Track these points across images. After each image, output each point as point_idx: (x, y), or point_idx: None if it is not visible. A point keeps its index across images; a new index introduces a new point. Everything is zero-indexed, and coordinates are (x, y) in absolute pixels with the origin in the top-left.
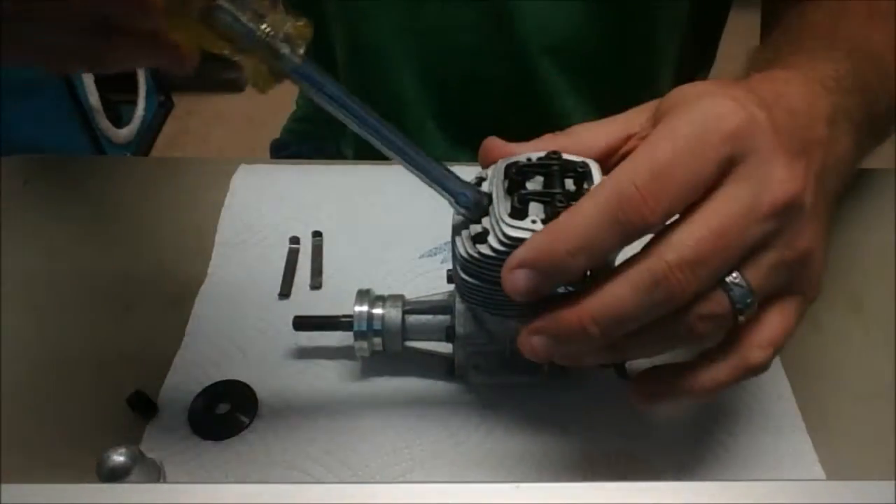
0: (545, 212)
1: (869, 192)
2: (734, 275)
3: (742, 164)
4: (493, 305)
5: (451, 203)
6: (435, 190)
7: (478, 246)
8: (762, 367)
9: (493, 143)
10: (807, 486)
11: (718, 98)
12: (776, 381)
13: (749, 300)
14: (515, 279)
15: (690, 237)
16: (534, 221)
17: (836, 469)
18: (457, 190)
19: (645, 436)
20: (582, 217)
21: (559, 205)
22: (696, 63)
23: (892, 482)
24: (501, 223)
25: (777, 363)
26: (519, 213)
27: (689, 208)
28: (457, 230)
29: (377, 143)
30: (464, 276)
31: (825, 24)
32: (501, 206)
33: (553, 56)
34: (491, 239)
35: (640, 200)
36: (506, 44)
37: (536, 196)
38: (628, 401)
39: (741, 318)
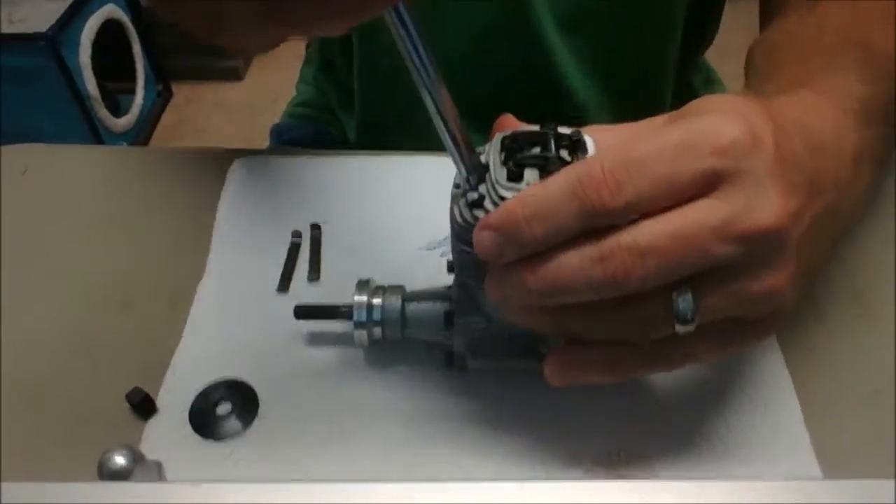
0: (540, 176)
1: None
2: (684, 292)
3: (730, 182)
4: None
5: (460, 171)
6: (453, 158)
7: (474, 211)
8: (674, 366)
9: (507, 118)
10: (806, 485)
11: (726, 115)
12: (776, 378)
13: (689, 316)
14: (481, 238)
15: (651, 229)
16: (528, 184)
17: (835, 467)
18: (473, 162)
19: (645, 435)
20: (545, 188)
21: (553, 167)
22: (696, 42)
23: (892, 481)
24: (497, 186)
25: (778, 359)
26: (515, 176)
27: (662, 211)
28: (455, 199)
29: (426, 100)
30: (461, 245)
31: (850, 34)
32: (498, 172)
33: (563, 32)
34: (487, 203)
35: (602, 181)
36: (517, 18)
37: (532, 159)
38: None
39: (679, 329)
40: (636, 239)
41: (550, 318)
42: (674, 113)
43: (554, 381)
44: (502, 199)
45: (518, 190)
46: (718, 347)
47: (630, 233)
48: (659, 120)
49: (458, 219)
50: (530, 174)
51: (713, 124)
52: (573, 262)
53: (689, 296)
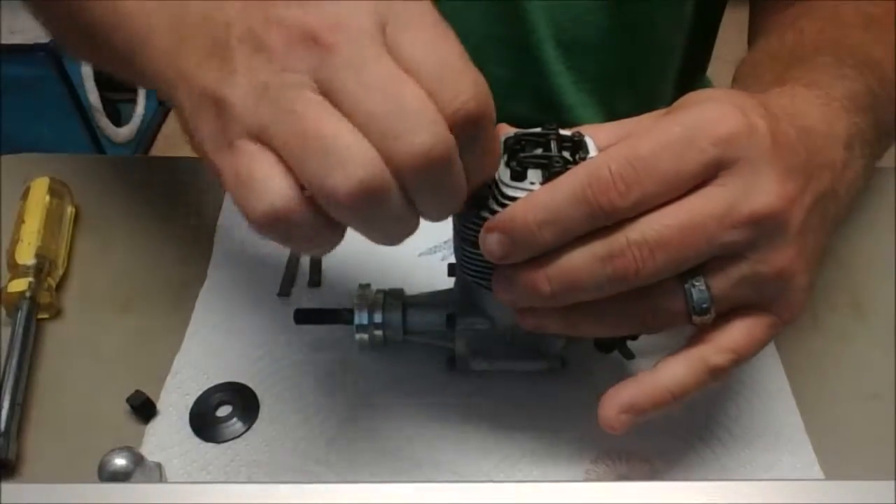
0: (543, 175)
1: (869, 191)
2: (697, 280)
3: (729, 170)
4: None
5: None
6: None
7: (479, 210)
8: (722, 372)
9: (502, 126)
10: (806, 485)
11: (721, 104)
12: (776, 381)
13: (705, 305)
14: (489, 241)
15: (657, 222)
16: (532, 183)
17: (836, 469)
18: None
19: (645, 436)
20: (554, 192)
21: (557, 165)
22: (694, 62)
23: (892, 482)
24: (501, 184)
25: (777, 363)
26: (518, 175)
27: (666, 202)
28: None
29: None
30: (464, 245)
31: (827, 37)
32: (501, 172)
33: (561, 50)
34: (491, 202)
35: (610, 183)
36: (515, 35)
37: (535, 159)
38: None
39: (696, 319)
40: (644, 234)
41: (561, 317)
42: (670, 108)
43: (616, 431)
44: (507, 197)
45: (522, 189)
46: (749, 340)
47: (637, 228)
48: (655, 115)
49: (462, 218)
50: (534, 174)
51: (710, 114)
52: (582, 261)
53: (702, 285)
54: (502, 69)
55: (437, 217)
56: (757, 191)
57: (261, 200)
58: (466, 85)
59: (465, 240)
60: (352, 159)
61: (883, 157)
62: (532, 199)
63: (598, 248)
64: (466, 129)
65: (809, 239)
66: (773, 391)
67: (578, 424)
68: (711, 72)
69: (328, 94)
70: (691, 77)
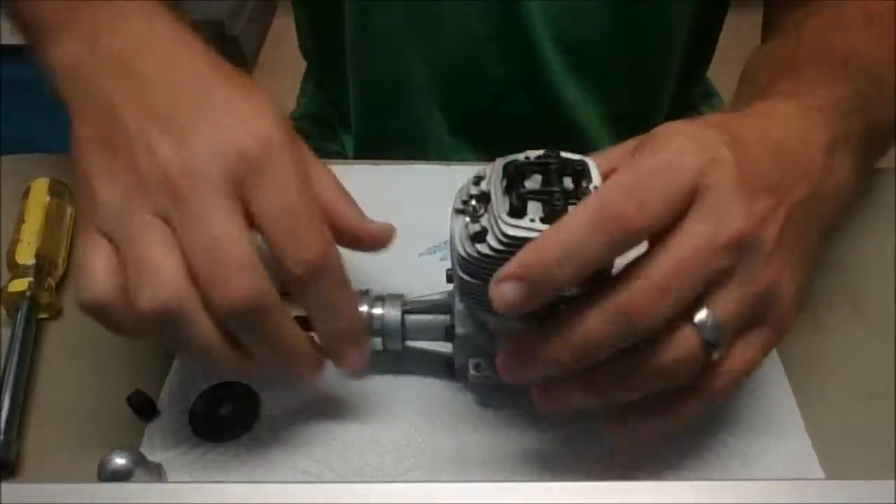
0: (543, 210)
1: (869, 191)
2: (703, 312)
3: (701, 200)
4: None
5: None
6: None
7: (476, 245)
8: (722, 394)
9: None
10: (807, 485)
11: (687, 138)
12: (776, 381)
13: (719, 335)
14: (503, 292)
15: (654, 266)
16: (532, 220)
17: (836, 469)
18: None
19: None
20: (568, 227)
21: (557, 203)
22: (696, 60)
23: (892, 482)
24: (500, 221)
25: (777, 363)
26: (517, 211)
27: (656, 241)
28: (455, 228)
29: None
30: (462, 275)
31: (822, 39)
32: (500, 204)
33: (560, 49)
34: (490, 238)
35: (624, 207)
36: (514, 34)
37: (535, 194)
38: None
39: (715, 355)
40: (650, 277)
41: (589, 390)
42: (640, 138)
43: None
44: (506, 235)
45: (522, 227)
46: (748, 358)
47: (640, 276)
48: (628, 145)
49: (462, 253)
50: (534, 208)
51: (679, 150)
52: (598, 321)
53: (708, 316)
54: (502, 69)
55: (273, 363)
56: (729, 216)
57: (88, 291)
58: (307, 243)
59: (466, 272)
60: (160, 282)
61: (883, 158)
62: (544, 238)
63: (609, 304)
64: (306, 283)
65: (791, 249)
66: (773, 391)
67: (579, 425)
68: (714, 75)
69: (172, 228)
70: (692, 77)
